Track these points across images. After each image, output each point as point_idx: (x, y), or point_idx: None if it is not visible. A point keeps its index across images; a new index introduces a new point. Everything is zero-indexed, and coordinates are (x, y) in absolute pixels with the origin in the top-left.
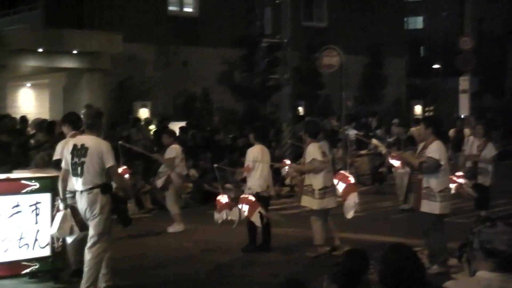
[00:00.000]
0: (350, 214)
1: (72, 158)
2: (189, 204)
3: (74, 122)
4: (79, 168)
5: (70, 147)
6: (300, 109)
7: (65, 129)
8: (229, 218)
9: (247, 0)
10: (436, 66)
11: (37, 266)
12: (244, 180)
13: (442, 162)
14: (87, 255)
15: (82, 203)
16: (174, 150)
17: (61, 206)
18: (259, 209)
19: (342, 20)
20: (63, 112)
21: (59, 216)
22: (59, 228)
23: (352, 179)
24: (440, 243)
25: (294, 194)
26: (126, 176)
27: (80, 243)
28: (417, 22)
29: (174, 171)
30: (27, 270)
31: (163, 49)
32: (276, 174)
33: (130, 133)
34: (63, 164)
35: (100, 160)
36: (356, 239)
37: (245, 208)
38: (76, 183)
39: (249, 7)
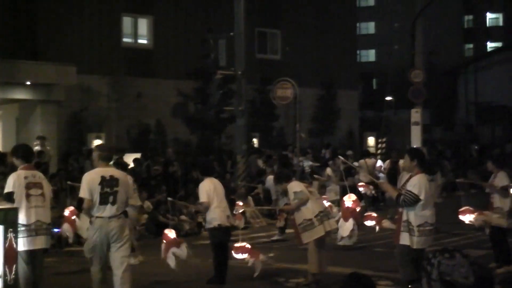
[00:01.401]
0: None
1: (102, 188)
2: (144, 235)
3: (25, 155)
4: (110, 197)
5: (97, 179)
6: (255, 140)
7: (16, 161)
8: (177, 255)
9: (201, 32)
10: (388, 98)
11: None
12: (198, 212)
13: (421, 197)
14: (125, 276)
15: (110, 228)
16: None
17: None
18: (261, 257)
19: (296, 52)
20: (15, 143)
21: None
22: None
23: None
24: (409, 276)
25: (248, 226)
26: (74, 217)
27: (33, 275)
28: (369, 55)
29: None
30: None
31: (118, 80)
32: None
33: (84, 165)
34: (86, 195)
35: (128, 189)
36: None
37: (244, 256)
38: (105, 211)
39: (204, 39)
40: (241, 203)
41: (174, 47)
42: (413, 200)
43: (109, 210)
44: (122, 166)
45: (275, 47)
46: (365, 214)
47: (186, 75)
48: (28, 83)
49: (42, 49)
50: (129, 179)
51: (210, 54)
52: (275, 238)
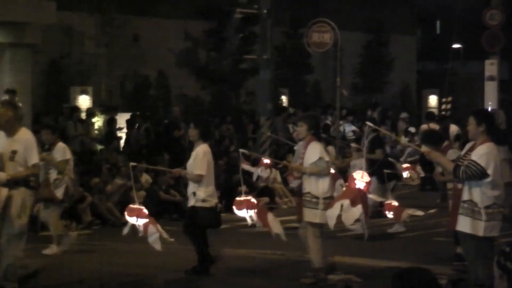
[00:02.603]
0: (350, 222)
1: None
2: None
3: None
4: None
5: None
6: (283, 98)
7: None
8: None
9: None
10: (455, 46)
11: None
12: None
13: (489, 171)
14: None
15: None
16: (64, 150)
17: None
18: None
19: None
20: None
21: None
22: None
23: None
24: (487, 271)
25: (274, 206)
26: None
27: None
28: None
29: (66, 178)
30: None
31: (108, 20)
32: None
33: (66, 126)
34: None
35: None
36: (353, 264)
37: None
38: None
39: None
40: (267, 161)
41: None
42: (478, 174)
43: None
44: (52, 128)
45: None
46: (386, 202)
47: (196, 13)
48: None
49: None
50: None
51: None
52: None
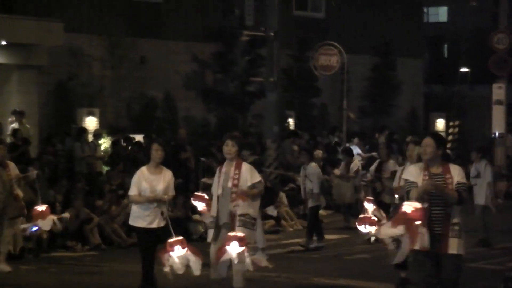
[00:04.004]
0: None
1: None
2: None
3: None
4: None
5: None
6: (290, 121)
7: None
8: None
9: None
10: (463, 69)
11: None
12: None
13: None
14: None
15: None
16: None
17: None
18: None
19: (344, 9)
20: None
21: None
22: None
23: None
24: None
25: (280, 229)
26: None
27: None
28: (440, 14)
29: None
30: None
31: (115, 42)
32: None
33: (72, 147)
34: None
35: None
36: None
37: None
38: None
39: None
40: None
41: (187, 0)
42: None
43: None
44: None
45: (317, 2)
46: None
47: (204, 36)
48: (2, 43)
49: (21, 1)
50: None
51: (234, 9)
52: (313, 245)
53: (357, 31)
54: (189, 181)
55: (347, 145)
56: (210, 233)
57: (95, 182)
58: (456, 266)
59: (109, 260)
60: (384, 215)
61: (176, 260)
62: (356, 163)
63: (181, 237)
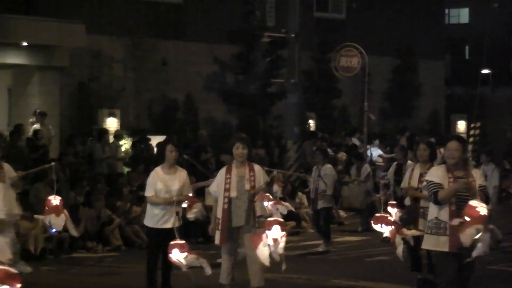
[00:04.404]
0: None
1: None
2: None
3: None
4: None
5: None
6: (311, 122)
7: None
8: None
9: None
10: (484, 71)
11: None
12: None
13: None
14: None
15: None
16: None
17: None
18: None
19: (365, 11)
20: (7, 119)
21: None
22: None
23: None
24: None
25: (300, 231)
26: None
27: None
28: (461, 16)
29: None
30: None
31: (137, 43)
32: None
33: (93, 149)
34: None
35: None
36: None
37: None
38: None
39: None
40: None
41: (209, 2)
42: None
43: None
44: None
45: (338, 4)
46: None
47: (224, 37)
48: (24, 44)
49: (42, 2)
50: None
51: (255, 11)
52: (321, 249)
53: (378, 33)
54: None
55: (368, 147)
56: (218, 235)
57: (116, 183)
58: (472, 269)
59: (130, 261)
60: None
61: (182, 261)
62: (367, 168)
63: (182, 241)
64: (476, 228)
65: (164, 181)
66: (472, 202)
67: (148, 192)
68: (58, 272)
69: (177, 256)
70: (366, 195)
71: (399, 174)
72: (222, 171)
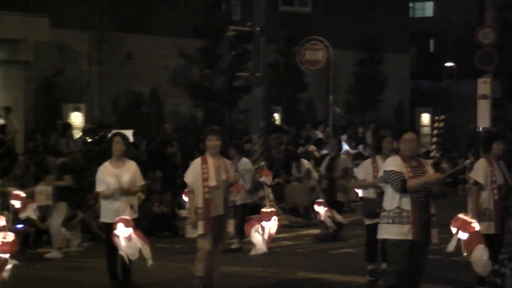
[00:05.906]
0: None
1: None
2: None
3: None
4: None
5: None
6: (276, 116)
7: None
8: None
9: None
10: (448, 64)
11: None
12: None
13: None
14: None
15: None
16: None
17: None
18: None
19: (330, 4)
20: None
21: None
22: None
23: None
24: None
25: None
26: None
27: None
28: (426, 9)
29: None
30: None
31: (102, 37)
32: None
33: (58, 143)
34: None
35: None
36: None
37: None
38: None
39: None
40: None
41: None
42: None
43: None
44: None
45: None
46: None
47: (190, 31)
48: None
49: None
50: None
51: (221, 4)
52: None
53: (343, 26)
54: (175, 176)
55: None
56: (201, 225)
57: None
58: (426, 255)
59: (95, 255)
60: (337, 215)
61: (123, 243)
62: (305, 165)
63: (128, 217)
64: (481, 250)
65: (114, 175)
66: (462, 215)
67: (100, 187)
68: (23, 267)
69: (121, 231)
70: (309, 192)
71: (330, 168)
72: (197, 161)
